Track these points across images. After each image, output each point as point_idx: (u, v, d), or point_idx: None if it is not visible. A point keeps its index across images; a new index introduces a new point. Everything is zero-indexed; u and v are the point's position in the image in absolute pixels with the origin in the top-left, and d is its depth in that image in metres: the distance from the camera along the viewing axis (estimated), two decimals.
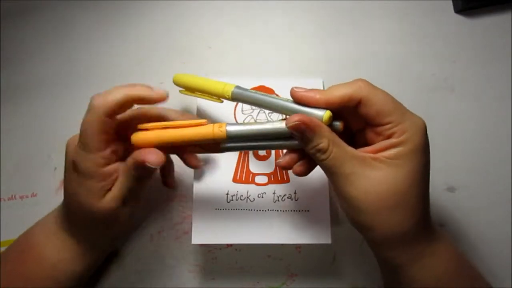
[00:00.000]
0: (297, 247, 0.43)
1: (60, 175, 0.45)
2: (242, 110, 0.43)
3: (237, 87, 0.35)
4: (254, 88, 0.44)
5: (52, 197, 0.44)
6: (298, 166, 0.33)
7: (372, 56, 0.48)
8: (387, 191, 0.29)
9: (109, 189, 0.33)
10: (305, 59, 0.48)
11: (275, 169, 0.41)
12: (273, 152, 0.42)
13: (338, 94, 0.30)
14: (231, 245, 0.43)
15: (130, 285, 0.42)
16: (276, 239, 0.39)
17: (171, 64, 0.48)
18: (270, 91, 0.44)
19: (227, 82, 0.36)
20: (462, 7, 0.48)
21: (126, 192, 0.34)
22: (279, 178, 0.41)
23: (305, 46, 0.49)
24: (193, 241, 0.39)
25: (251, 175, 0.41)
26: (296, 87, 0.32)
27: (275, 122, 0.32)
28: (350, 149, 0.30)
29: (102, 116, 0.32)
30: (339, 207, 0.33)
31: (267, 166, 0.41)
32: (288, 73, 0.48)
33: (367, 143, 0.32)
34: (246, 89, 0.35)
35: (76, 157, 0.33)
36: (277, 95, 0.44)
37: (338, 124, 0.31)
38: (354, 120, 0.33)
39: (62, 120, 0.47)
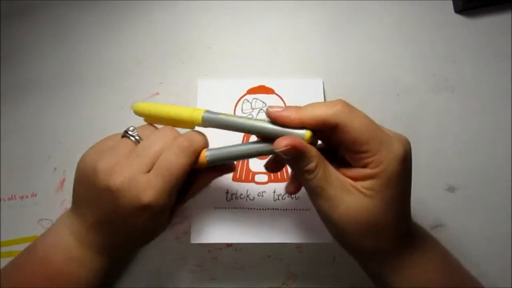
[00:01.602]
0: (297, 247, 0.43)
1: (60, 175, 0.45)
2: (242, 110, 0.43)
3: (208, 111, 0.33)
4: (254, 88, 0.44)
5: (52, 197, 0.44)
6: (290, 187, 0.35)
7: (372, 56, 0.48)
8: (363, 217, 0.29)
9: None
10: (305, 59, 0.48)
11: None
12: None
13: (314, 115, 0.29)
14: (231, 245, 0.43)
15: (130, 285, 0.42)
16: (276, 238, 0.39)
17: (171, 64, 0.48)
18: (270, 91, 0.44)
19: (195, 108, 0.33)
20: (462, 7, 0.48)
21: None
22: (279, 177, 0.41)
23: (305, 46, 0.49)
24: (192, 241, 0.39)
25: (251, 173, 0.41)
26: (271, 106, 0.30)
27: (258, 144, 0.31)
28: (334, 171, 0.30)
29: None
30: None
31: None
32: (288, 73, 0.48)
33: (346, 162, 0.32)
34: (217, 113, 0.32)
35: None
36: (277, 95, 0.44)
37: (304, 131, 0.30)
38: (334, 138, 0.31)
39: (62, 120, 0.47)
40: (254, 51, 0.49)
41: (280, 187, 0.41)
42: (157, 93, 0.47)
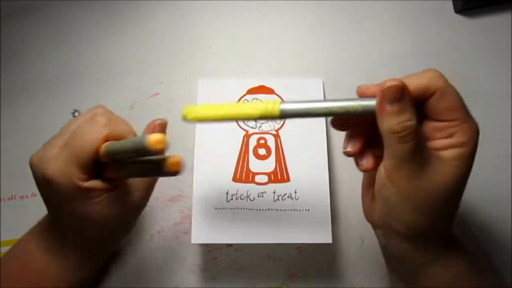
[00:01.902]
0: (297, 247, 0.43)
1: None
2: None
3: (283, 103, 0.29)
4: (254, 88, 0.44)
5: None
6: (366, 163, 0.32)
7: (371, 56, 0.48)
8: (446, 190, 0.28)
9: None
10: (305, 59, 0.48)
11: (275, 168, 0.41)
12: (273, 151, 0.42)
13: (413, 84, 0.28)
14: (231, 245, 0.43)
15: (130, 285, 0.42)
16: (276, 239, 0.39)
17: (171, 64, 0.48)
18: (270, 91, 0.44)
19: (267, 102, 0.29)
20: (462, 7, 0.48)
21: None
22: (279, 177, 0.41)
23: (305, 46, 0.49)
24: (192, 241, 0.39)
25: (251, 174, 0.41)
26: (364, 86, 0.29)
27: (339, 102, 0.28)
28: (424, 140, 0.29)
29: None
30: (376, 207, 0.32)
31: (267, 165, 0.41)
32: (288, 73, 0.48)
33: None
34: (294, 102, 0.29)
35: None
36: (277, 95, 0.44)
37: None
38: (425, 107, 0.30)
39: (62, 120, 0.46)
40: (254, 51, 0.49)
41: (280, 187, 0.41)
42: (157, 93, 0.47)
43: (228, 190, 0.40)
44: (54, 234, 0.35)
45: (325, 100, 0.29)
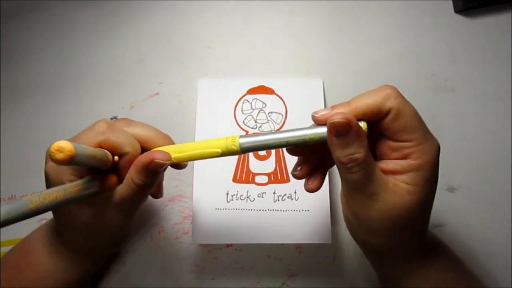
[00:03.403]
0: (297, 247, 0.43)
1: None
2: (242, 110, 0.43)
3: (242, 136, 0.30)
4: (254, 88, 0.44)
5: None
6: (311, 184, 0.32)
7: (371, 56, 0.48)
8: (402, 217, 0.28)
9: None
10: (305, 59, 0.48)
11: (275, 169, 0.41)
12: (273, 152, 0.42)
13: (366, 104, 0.27)
14: (231, 245, 0.43)
15: (131, 285, 0.42)
16: (276, 239, 0.39)
17: (171, 64, 0.48)
18: (270, 91, 0.44)
19: (226, 137, 0.30)
20: (462, 7, 0.48)
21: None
22: (279, 178, 0.41)
23: (305, 46, 0.49)
24: (193, 241, 0.39)
25: (251, 175, 0.41)
26: (315, 112, 0.28)
27: (295, 131, 0.28)
28: (377, 166, 0.28)
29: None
30: (344, 221, 0.32)
31: (267, 166, 0.41)
32: (288, 73, 0.48)
33: (376, 155, 0.30)
34: (252, 136, 0.30)
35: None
36: (277, 95, 0.44)
37: (361, 124, 0.28)
38: (379, 126, 0.29)
39: (62, 120, 0.47)
40: (254, 51, 0.49)
41: (280, 188, 0.41)
42: (157, 93, 0.47)
43: (228, 191, 0.41)
44: (53, 231, 0.36)
45: (282, 131, 0.29)
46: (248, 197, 0.40)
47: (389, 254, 0.31)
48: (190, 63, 0.48)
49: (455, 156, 0.45)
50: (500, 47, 0.48)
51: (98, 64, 0.48)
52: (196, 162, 0.41)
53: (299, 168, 0.32)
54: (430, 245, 0.32)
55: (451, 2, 0.50)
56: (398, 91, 0.28)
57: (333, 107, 0.28)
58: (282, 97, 0.44)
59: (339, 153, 0.27)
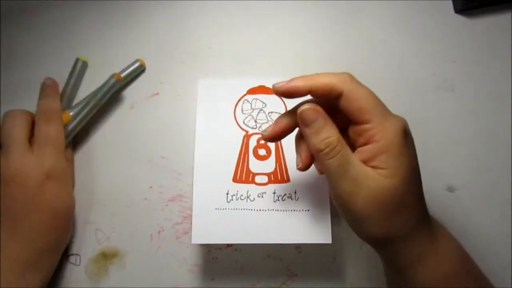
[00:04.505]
0: (297, 247, 0.43)
1: None
2: (242, 110, 0.43)
3: None
4: (254, 88, 0.44)
5: None
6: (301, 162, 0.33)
7: (371, 56, 0.48)
8: (387, 199, 0.29)
9: None
10: (305, 59, 0.48)
11: (275, 169, 0.41)
12: (273, 152, 0.42)
13: (321, 82, 0.30)
14: (231, 245, 0.43)
15: (130, 285, 0.42)
16: (276, 239, 0.39)
17: (171, 64, 0.48)
18: (270, 91, 0.44)
19: None
20: (462, 7, 0.48)
21: None
22: (279, 178, 0.41)
23: (305, 46, 0.49)
24: (193, 241, 0.39)
25: (251, 174, 0.41)
26: (276, 83, 0.31)
27: None
28: (354, 156, 0.30)
29: None
30: (340, 216, 0.32)
31: (267, 166, 0.41)
32: (288, 73, 0.48)
33: (351, 146, 0.31)
34: None
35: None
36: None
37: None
38: (338, 120, 0.31)
39: None
40: (254, 51, 0.49)
41: (280, 188, 0.41)
42: (157, 93, 0.47)
43: (228, 191, 0.40)
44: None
45: None
46: (248, 197, 0.40)
47: (392, 243, 0.31)
48: (190, 63, 0.48)
49: (455, 156, 0.45)
50: (500, 47, 0.48)
51: (98, 64, 0.48)
52: (196, 162, 0.41)
53: (299, 159, 0.34)
54: (434, 233, 0.32)
55: (451, 2, 0.50)
56: (353, 77, 0.30)
57: (292, 79, 0.30)
58: (282, 97, 0.44)
59: (315, 140, 0.30)
